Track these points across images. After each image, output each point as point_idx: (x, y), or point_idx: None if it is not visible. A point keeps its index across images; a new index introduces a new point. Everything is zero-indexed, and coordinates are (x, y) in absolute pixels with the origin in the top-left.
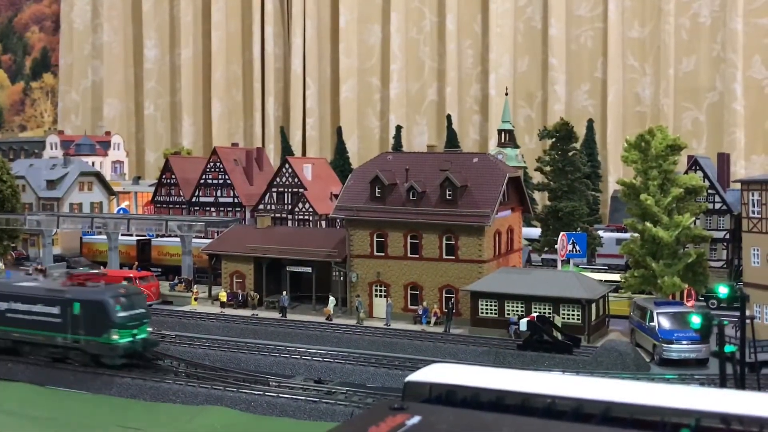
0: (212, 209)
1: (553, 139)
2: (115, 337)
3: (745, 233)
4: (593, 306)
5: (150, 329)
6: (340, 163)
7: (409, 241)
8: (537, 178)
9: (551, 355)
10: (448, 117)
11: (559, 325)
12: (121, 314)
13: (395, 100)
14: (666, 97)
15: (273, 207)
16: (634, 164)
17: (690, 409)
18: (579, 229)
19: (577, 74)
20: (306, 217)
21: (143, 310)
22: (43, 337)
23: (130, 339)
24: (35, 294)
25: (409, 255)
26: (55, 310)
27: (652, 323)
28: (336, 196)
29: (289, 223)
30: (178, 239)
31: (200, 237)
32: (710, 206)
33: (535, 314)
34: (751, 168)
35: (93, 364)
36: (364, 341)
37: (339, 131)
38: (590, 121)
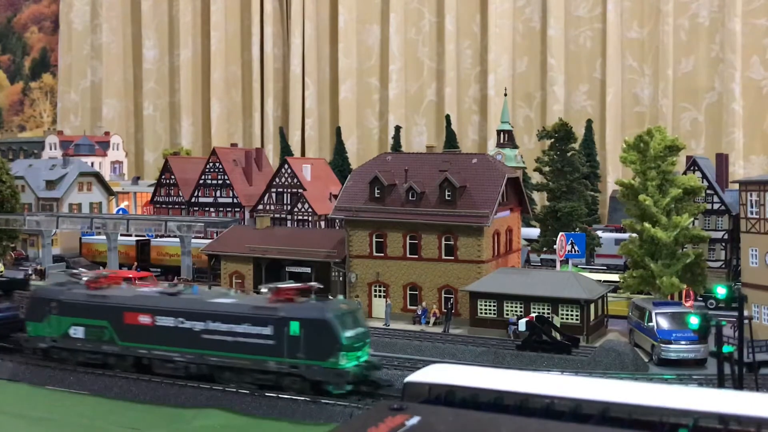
0: (211, 210)
1: (552, 140)
2: (344, 361)
3: (744, 234)
4: (592, 306)
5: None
6: (339, 163)
7: (408, 241)
8: (536, 178)
9: (550, 355)
10: (447, 117)
11: (558, 325)
12: (347, 334)
13: (394, 101)
14: (665, 98)
15: (272, 207)
16: (633, 165)
17: (688, 410)
18: (578, 229)
19: (576, 75)
20: (305, 218)
21: (365, 329)
22: (250, 362)
23: (356, 362)
24: (239, 312)
25: (408, 255)
26: (267, 330)
27: (650, 323)
28: (335, 196)
29: (289, 223)
30: (177, 240)
31: (199, 237)
32: (709, 207)
33: (534, 314)
34: (750, 168)
35: (312, 392)
36: None
37: (338, 131)
38: (589, 122)
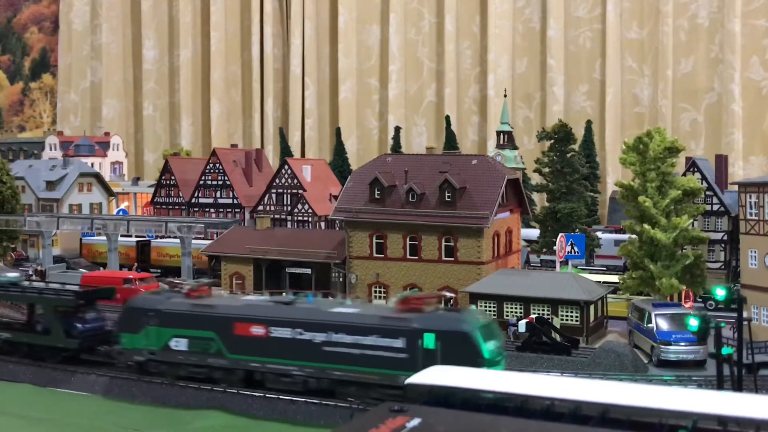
0: (211, 210)
1: (552, 141)
2: None
3: (743, 235)
4: (592, 307)
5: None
6: (339, 163)
7: (408, 242)
8: (535, 179)
9: (550, 356)
10: (447, 118)
11: (558, 326)
12: (489, 347)
13: (394, 101)
14: (664, 98)
15: (272, 208)
16: (632, 166)
17: (687, 411)
18: (577, 230)
19: (576, 75)
20: (305, 219)
21: (500, 341)
22: (378, 376)
23: None
24: (367, 323)
25: (408, 256)
26: (399, 342)
27: (650, 325)
28: (335, 197)
29: (289, 224)
30: (177, 240)
31: (200, 238)
32: (708, 208)
33: (533, 316)
34: (749, 169)
35: None
36: None
37: (338, 132)
38: (589, 122)
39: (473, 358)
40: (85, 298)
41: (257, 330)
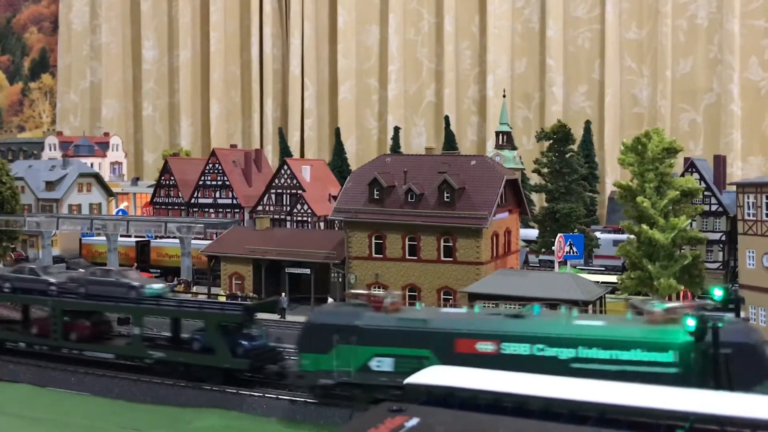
0: (211, 211)
1: (551, 141)
2: None
3: (741, 235)
4: (590, 307)
5: None
6: (338, 164)
7: (407, 242)
8: (534, 179)
9: None
10: (446, 118)
11: None
12: None
13: (393, 101)
14: (663, 99)
15: (272, 208)
16: (631, 167)
17: (685, 411)
18: (576, 230)
19: (575, 76)
20: (304, 219)
21: None
22: None
23: None
24: (625, 336)
25: (407, 257)
26: (668, 357)
27: None
28: (334, 197)
29: (288, 224)
30: (177, 241)
31: (199, 238)
32: (706, 208)
33: None
34: (748, 169)
35: None
36: None
37: (337, 132)
38: (587, 123)
39: (760, 373)
40: (251, 312)
41: (485, 347)
